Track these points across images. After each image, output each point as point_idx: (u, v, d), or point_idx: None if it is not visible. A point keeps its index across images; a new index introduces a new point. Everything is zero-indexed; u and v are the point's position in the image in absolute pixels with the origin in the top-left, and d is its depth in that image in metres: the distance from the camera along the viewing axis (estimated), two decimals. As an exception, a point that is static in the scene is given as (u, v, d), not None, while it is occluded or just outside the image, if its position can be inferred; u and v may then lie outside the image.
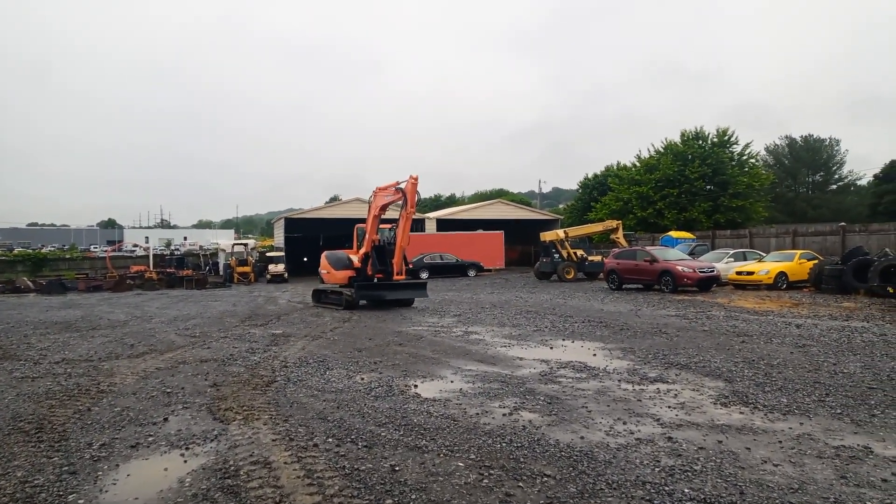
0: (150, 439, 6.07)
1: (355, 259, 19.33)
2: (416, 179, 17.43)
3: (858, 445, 5.49)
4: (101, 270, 39.68)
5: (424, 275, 32.43)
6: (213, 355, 10.81)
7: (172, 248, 69.99)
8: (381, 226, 19.43)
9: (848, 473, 4.86)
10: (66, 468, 5.29)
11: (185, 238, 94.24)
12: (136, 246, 67.83)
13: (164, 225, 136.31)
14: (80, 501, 4.63)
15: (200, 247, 62.23)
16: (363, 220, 19.60)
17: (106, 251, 53.75)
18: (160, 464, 5.42)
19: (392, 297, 19.04)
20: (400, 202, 17.97)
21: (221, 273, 36.70)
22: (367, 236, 19.04)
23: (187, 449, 5.75)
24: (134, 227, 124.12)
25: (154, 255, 42.84)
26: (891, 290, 16.54)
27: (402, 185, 17.73)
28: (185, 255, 46.98)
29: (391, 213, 19.73)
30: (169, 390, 8.13)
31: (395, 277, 18.56)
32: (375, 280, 18.80)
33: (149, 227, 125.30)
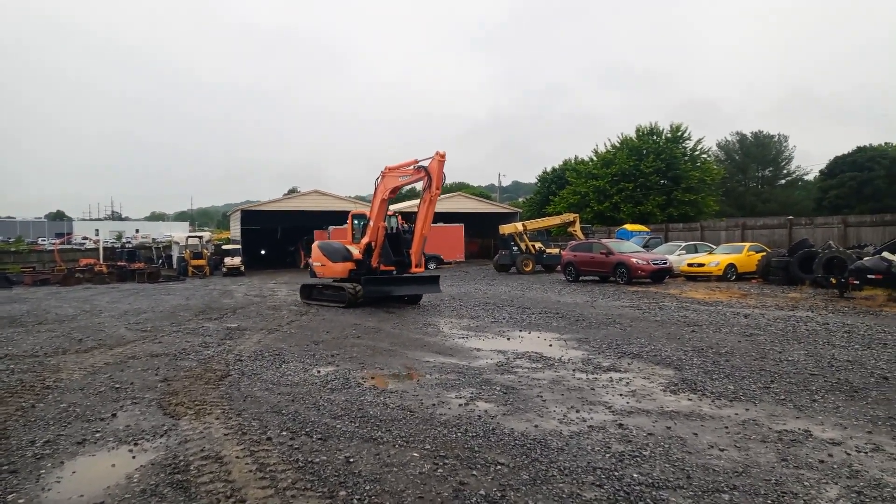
0: (98, 435, 5.90)
1: (355, 250, 17.14)
2: (443, 156, 14.88)
3: (799, 429, 5.71)
4: (49, 264, 38.24)
5: None
6: (165, 350, 10.57)
7: (124, 240, 67.94)
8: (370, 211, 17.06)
9: (789, 456, 5.05)
10: (6, 467, 5.10)
11: (137, 230, 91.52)
12: (85, 239, 65.58)
13: (115, 217, 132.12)
14: (20, 501, 4.48)
15: (153, 239, 60.56)
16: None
17: (54, 244, 51.87)
18: (107, 460, 5.28)
19: (402, 293, 16.94)
20: (411, 185, 16.30)
21: (175, 266, 35.87)
22: (371, 224, 16.69)
23: (136, 444, 5.62)
24: (84, 220, 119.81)
25: (104, 248, 41.62)
26: (833, 281, 17.18)
27: (425, 164, 15.21)
28: (137, 248, 45.81)
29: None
30: (118, 386, 7.91)
31: (414, 270, 16.54)
32: (379, 274, 16.76)
33: (99, 220, 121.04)
